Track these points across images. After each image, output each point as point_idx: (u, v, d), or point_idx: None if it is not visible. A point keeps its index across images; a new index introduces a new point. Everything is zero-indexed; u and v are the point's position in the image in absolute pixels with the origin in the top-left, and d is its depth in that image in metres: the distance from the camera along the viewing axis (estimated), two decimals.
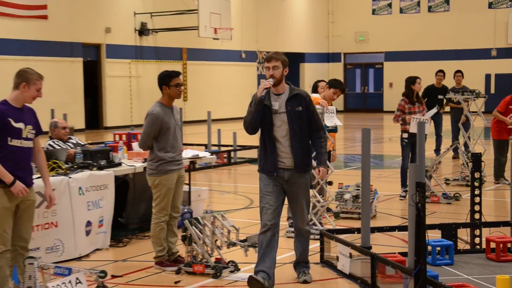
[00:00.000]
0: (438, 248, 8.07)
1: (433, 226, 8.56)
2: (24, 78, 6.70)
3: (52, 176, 8.34)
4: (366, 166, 7.96)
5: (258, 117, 7.08)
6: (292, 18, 39.62)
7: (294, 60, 40.12)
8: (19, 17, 25.65)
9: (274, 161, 7.14)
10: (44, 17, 26.44)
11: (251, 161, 18.23)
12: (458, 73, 17.54)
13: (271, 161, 7.14)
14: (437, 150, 16.81)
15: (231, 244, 7.89)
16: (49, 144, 9.66)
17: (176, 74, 8.17)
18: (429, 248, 7.73)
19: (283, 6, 38.88)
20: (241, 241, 7.87)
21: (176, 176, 8.16)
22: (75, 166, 9.05)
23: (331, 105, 10.06)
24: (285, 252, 8.53)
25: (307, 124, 7.21)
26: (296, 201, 7.37)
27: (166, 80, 8.06)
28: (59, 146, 9.63)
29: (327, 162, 7.39)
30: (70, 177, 8.61)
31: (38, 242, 7.90)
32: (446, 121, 17.46)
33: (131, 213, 10.26)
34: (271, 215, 7.12)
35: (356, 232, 8.35)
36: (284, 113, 7.10)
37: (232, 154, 18.30)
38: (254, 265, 8.09)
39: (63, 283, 6.48)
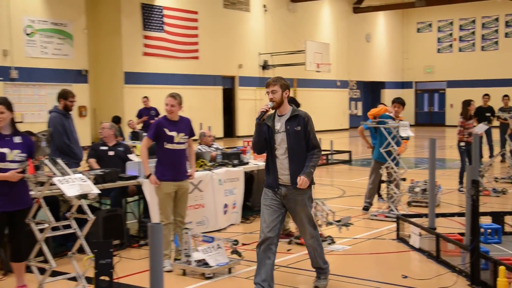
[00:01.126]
0: (489, 230, 7.89)
1: (485, 214, 8.38)
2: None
3: (200, 171, 8.64)
4: (432, 166, 7.91)
5: (260, 137, 6.01)
6: (375, 55, 39.27)
7: (376, 87, 39.93)
8: (179, 58, 26.46)
9: (275, 178, 6.00)
10: (196, 57, 27.18)
11: (343, 162, 18.25)
12: (506, 97, 17.20)
13: (273, 177, 6.01)
14: (491, 156, 16.37)
15: (328, 224, 7.92)
16: (198, 148, 9.91)
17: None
18: (482, 230, 7.59)
19: (369, 46, 38.66)
20: (336, 221, 7.90)
21: None
22: (216, 164, 9.29)
23: (402, 119, 10.00)
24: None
25: (305, 142, 6.03)
26: (295, 216, 6.17)
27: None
28: (205, 149, 9.89)
29: (311, 173, 5.92)
30: (212, 172, 8.84)
31: (191, 217, 8.11)
32: (496, 134, 17.00)
33: (255, 199, 10.39)
34: (267, 228, 5.91)
35: (424, 217, 8.26)
36: (284, 132, 5.95)
37: (329, 156, 18.39)
38: (346, 240, 8.18)
39: (208, 247, 6.71)
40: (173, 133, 6.85)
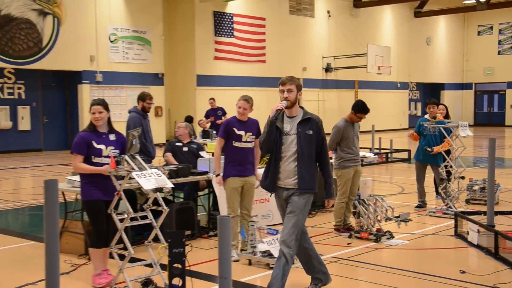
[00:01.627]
0: None
1: None
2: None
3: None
4: (492, 165, 7.67)
5: (271, 136, 5.44)
6: (435, 57, 38.39)
7: (436, 88, 39.04)
8: (247, 62, 26.70)
9: (273, 180, 5.47)
10: (263, 61, 27.36)
11: (403, 160, 17.94)
12: None
13: (270, 179, 5.49)
14: None
15: (388, 219, 7.84)
16: None
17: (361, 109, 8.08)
18: None
19: (429, 48, 37.85)
20: (395, 217, 7.81)
21: (353, 170, 8.15)
22: None
23: (440, 119, 9.83)
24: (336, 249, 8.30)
25: (316, 148, 5.53)
26: (286, 216, 5.52)
27: (359, 108, 8.03)
28: None
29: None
30: None
31: (256, 211, 8.12)
32: None
33: (317, 194, 10.35)
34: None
35: (482, 214, 8.05)
36: (295, 135, 5.43)
37: (389, 155, 18.13)
38: (404, 235, 8.06)
39: (272, 239, 6.74)
40: (241, 132, 6.92)
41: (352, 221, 8.23)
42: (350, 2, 32.17)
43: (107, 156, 5.83)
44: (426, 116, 9.93)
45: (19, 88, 21.08)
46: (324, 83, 30.96)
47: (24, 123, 21.19)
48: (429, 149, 9.53)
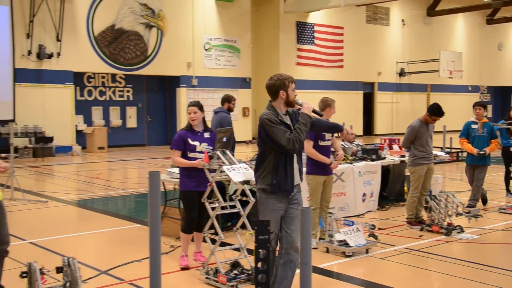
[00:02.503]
0: None
1: None
2: (326, 103, 7.01)
3: (343, 164, 8.58)
4: None
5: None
6: (507, 62, 36.50)
7: (506, 91, 37.07)
8: (326, 67, 26.53)
9: (292, 180, 4.69)
10: (341, 66, 27.10)
11: None
12: None
13: (290, 180, 4.67)
14: None
15: (458, 214, 7.56)
16: (342, 144, 9.83)
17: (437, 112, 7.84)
18: None
19: (500, 53, 36.07)
20: (466, 212, 7.52)
21: (426, 168, 7.91)
22: (357, 158, 9.18)
23: (486, 121, 9.24)
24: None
25: None
26: (293, 220, 4.74)
27: (435, 111, 7.78)
28: (348, 145, 9.81)
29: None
30: (353, 165, 8.73)
31: (334, 203, 8.04)
32: None
33: (390, 189, 10.16)
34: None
35: None
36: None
37: (459, 154, 17.42)
38: (474, 230, 7.73)
39: (349, 230, 6.66)
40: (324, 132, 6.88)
41: (424, 215, 7.98)
42: (424, 11, 31.25)
43: (201, 152, 5.95)
44: (473, 118, 9.41)
45: (128, 91, 21.92)
46: (398, 86, 30.24)
47: (131, 122, 22.02)
48: (482, 152, 8.98)
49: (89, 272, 5.69)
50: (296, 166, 4.75)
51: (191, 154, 5.99)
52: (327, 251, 6.61)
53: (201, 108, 6.11)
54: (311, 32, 25.88)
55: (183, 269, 5.96)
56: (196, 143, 6.00)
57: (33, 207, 9.43)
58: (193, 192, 5.97)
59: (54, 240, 7.23)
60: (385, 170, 9.82)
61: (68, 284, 4.38)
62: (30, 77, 18.41)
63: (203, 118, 6.17)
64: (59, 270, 4.43)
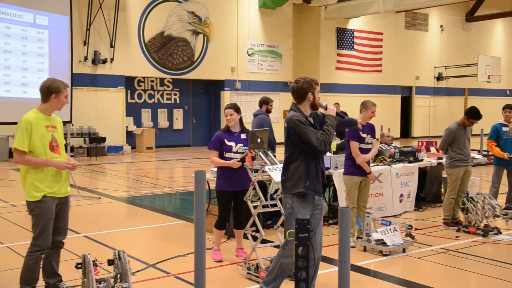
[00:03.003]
0: None
1: None
2: (363, 104, 6.92)
3: (381, 165, 8.47)
4: None
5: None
6: None
7: None
8: (365, 72, 26.21)
9: (323, 182, 4.65)
10: (380, 71, 26.75)
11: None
12: None
13: (322, 181, 4.61)
14: None
15: (495, 216, 7.35)
16: (379, 146, 9.70)
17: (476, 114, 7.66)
18: None
19: None
20: (503, 214, 7.30)
21: (463, 170, 7.73)
22: (394, 160, 9.06)
23: None
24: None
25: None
26: (317, 224, 4.68)
27: (473, 115, 7.61)
28: (385, 147, 9.68)
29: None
30: (391, 167, 8.62)
31: (371, 204, 7.96)
32: None
33: (427, 191, 9.97)
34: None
35: None
36: None
37: None
38: (511, 232, 7.50)
39: (386, 229, 6.57)
40: (365, 135, 6.81)
41: (461, 216, 7.79)
42: (463, 17, 30.51)
43: (237, 152, 5.99)
44: (501, 121, 9.08)
45: (175, 94, 22.22)
46: (436, 90, 29.63)
47: (178, 123, 22.31)
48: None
49: (137, 265, 5.79)
50: (324, 167, 4.68)
51: (227, 154, 6.02)
52: (365, 250, 6.53)
53: (237, 110, 6.13)
54: (351, 37, 25.65)
55: (217, 262, 6.00)
56: (232, 143, 6.02)
57: (87, 203, 9.66)
58: (228, 192, 6.00)
59: (105, 234, 7.39)
60: (422, 172, 9.64)
61: (118, 276, 4.47)
62: (86, 81, 18.90)
63: (240, 120, 6.19)
64: (110, 262, 4.53)
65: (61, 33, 14.67)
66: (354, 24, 25.69)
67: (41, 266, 4.85)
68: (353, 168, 6.76)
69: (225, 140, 6.04)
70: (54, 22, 14.55)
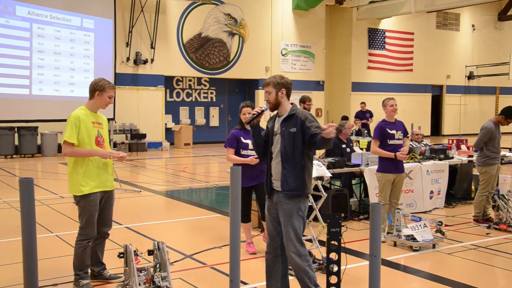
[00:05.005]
0: None
1: None
2: (382, 102, 6.80)
3: (411, 163, 8.33)
4: None
5: (256, 140, 4.30)
6: None
7: None
8: (396, 71, 25.86)
9: (268, 183, 4.31)
10: (410, 70, 26.33)
11: None
12: None
13: (266, 182, 4.33)
14: None
15: None
16: (410, 144, 9.58)
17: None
18: None
19: None
20: None
21: (496, 168, 7.57)
22: (425, 157, 8.90)
23: None
24: None
25: (301, 145, 4.15)
26: (282, 227, 4.21)
27: (510, 114, 7.41)
28: (416, 145, 9.51)
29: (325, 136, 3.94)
30: (421, 164, 8.48)
31: (402, 200, 7.67)
32: None
33: (457, 188, 9.76)
34: (268, 240, 4.40)
35: None
36: (279, 134, 4.23)
37: None
38: None
39: (416, 225, 6.46)
40: (393, 132, 6.70)
41: (491, 213, 7.60)
42: (495, 16, 29.68)
43: (252, 149, 5.95)
44: None
45: (211, 93, 22.36)
46: (467, 89, 28.95)
47: (214, 121, 22.45)
48: None
49: (175, 256, 5.85)
50: (276, 169, 4.29)
51: (244, 152, 6.00)
52: (395, 245, 6.43)
53: (253, 108, 6.11)
54: (382, 37, 25.30)
55: (251, 254, 6.01)
56: (248, 141, 5.99)
57: (128, 195, 9.82)
58: (246, 188, 5.97)
59: (145, 226, 7.50)
60: (453, 169, 9.44)
61: (158, 266, 4.53)
62: (128, 81, 19.20)
63: None
64: (150, 252, 4.59)
65: (106, 36, 14.93)
66: (385, 24, 25.32)
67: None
68: (387, 166, 6.67)
69: (241, 138, 6.03)
70: (100, 25, 14.83)
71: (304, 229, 4.22)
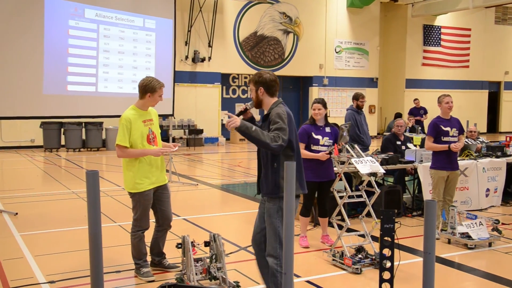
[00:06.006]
0: None
1: None
2: (438, 99, 6.58)
3: (466, 160, 8.03)
4: None
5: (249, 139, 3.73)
6: None
7: None
8: (451, 67, 24.99)
9: (257, 182, 4.06)
10: (467, 66, 25.35)
11: None
12: None
13: (257, 184, 4.08)
14: None
15: None
16: (465, 141, 9.25)
17: None
18: None
19: None
20: None
21: None
22: (481, 155, 8.56)
23: None
24: None
25: None
26: (267, 226, 3.95)
27: None
28: (471, 142, 9.17)
29: (246, 128, 3.64)
30: (477, 161, 8.16)
31: (456, 197, 7.52)
32: None
33: None
34: (252, 236, 4.17)
35: None
36: None
37: None
38: None
39: (471, 223, 6.23)
40: (448, 129, 6.48)
41: None
42: None
43: (323, 145, 5.94)
44: None
45: None
46: None
47: None
48: None
49: (230, 247, 5.91)
50: (261, 170, 4.04)
51: (314, 147, 5.97)
52: (449, 242, 6.23)
53: (325, 105, 6.07)
54: (438, 34, 24.50)
55: (304, 248, 5.97)
56: (319, 137, 5.99)
57: (186, 188, 10.00)
58: (313, 183, 5.95)
59: (202, 218, 7.61)
60: (511, 167, 9.02)
61: (214, 257, 4.59)
62: (186, 78, 19.55)
63: (325, 114, 6.12)
64: (206, 244, 4.66)
65: (166, 35, 15.25)
66: (441, 20, 24.50)
67: (148, 244, 5.08)
68: (440, 162, 6.47)
69: (312, 133, 6.00)
70: (160, 25, 15.16)
71: None
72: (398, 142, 8.43)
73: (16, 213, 7.56)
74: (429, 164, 6.76)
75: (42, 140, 16.49)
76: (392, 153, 8.02)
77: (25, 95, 10.73)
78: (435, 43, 24.45)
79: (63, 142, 16.64)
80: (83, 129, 16.77)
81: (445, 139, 6.46)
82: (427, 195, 7.32)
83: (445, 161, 6.45)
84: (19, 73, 10.55)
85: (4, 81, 9.99)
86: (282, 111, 3.87)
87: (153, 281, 4.82)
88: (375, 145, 17.08)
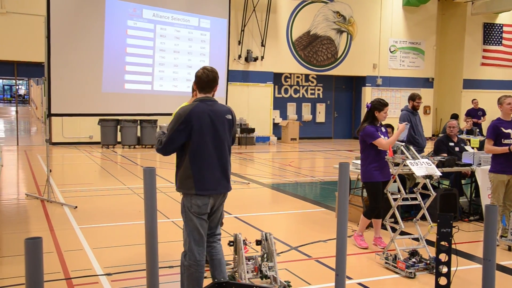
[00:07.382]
0: None
1: None
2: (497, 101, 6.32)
3: None
4: None
5: None
6: None
7: None
8: (508, 67, 23.93)
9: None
10: None
11: None
12: None
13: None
14: None
15: None
16: None
17: None
18: None
19: None
20: None
21: None
22: None
23: None
24: None
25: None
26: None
27: None
28: None
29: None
30: None
31: None
32: None
33: None
34: None
35: None
36: None
37: None
38: None
39: None
40: (509, 131, 6.22)
41: None
42: None
43: None
44: None
45: (318, 90, 22.25)
46: None
47: (320, 117, 22.32)
48: None
49: (281, 247, 5.91)
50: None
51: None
52: (509, 249, 5.98)
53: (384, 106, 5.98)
54: (499, 32, 23.49)
55: (363, 248, 5.88)
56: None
57: (238, 187, 10.07)
58: (378, 183, 5.83)
59: (253, 216, 7.65)
60: None
61: (265, 255, 4.60)
62: (239, 77, 19.71)
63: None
64: (258, 242, 4.68)
65: (220, 34, 15.42)
66: (503, 18, 23.48)
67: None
68: (500, 166, 6.21)
69: (379, 132, 5.90)
70: (215, 24, 15.36)
71: (196, 226, 3.81)
72: (451, 144, 8.16)
73: (76, 207, 7.87)
74: (488, 167, 6.50)
75: (100, 136, 17.09)
76: (446, 154, 7.77)
77: (85, 93, 11.15)
78: (496, 42, 23.47)
79: (119, 139, 17.18)
80: (138, 127, 17.24)
81: (506, 141, 6.21)
82: (485, 200, 7.05)
83: (505, 164, 6.19)
84: (81, 72, 10.98)
85: (67, 80, 10.41)
86: (179, 111, 3.81)
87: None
88: (429, 146, 16.60)
